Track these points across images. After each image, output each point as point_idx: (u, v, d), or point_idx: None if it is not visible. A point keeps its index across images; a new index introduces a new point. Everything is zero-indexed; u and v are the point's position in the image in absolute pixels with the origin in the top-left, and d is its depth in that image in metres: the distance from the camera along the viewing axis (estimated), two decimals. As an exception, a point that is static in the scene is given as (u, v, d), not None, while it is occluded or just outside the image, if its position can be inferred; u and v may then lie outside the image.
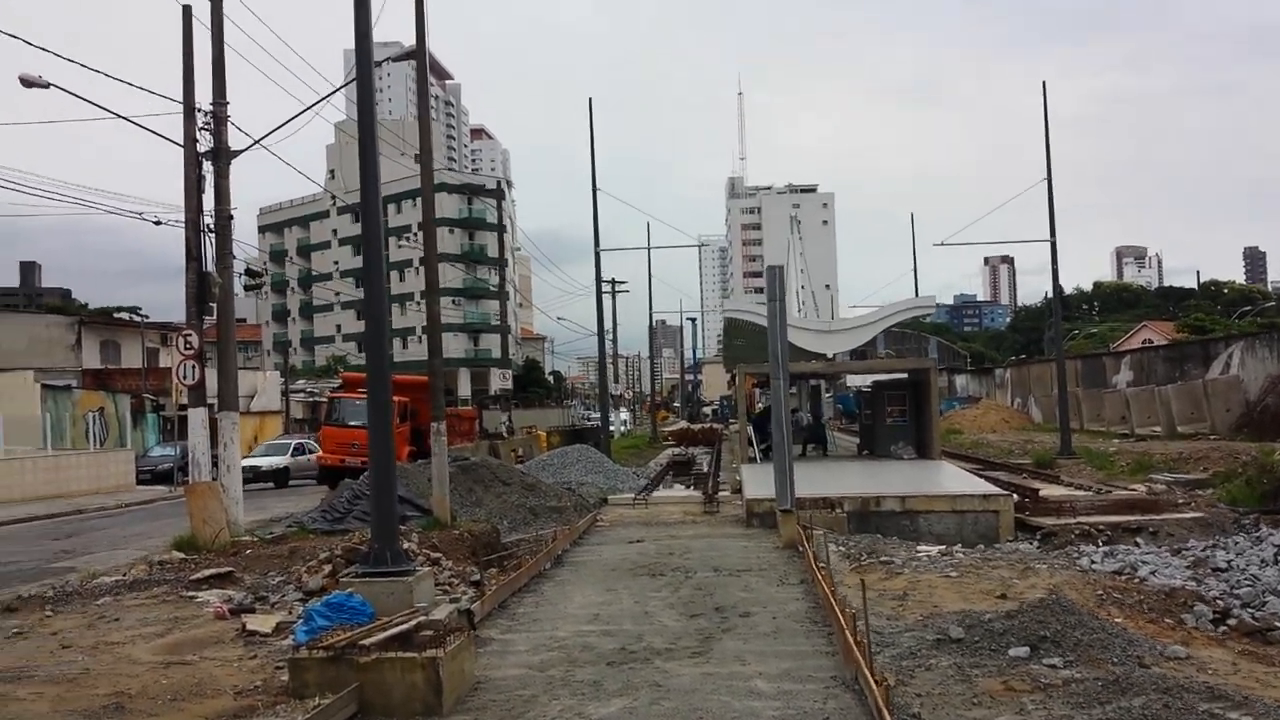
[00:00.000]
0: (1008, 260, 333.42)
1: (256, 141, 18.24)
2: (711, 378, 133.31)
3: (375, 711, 8.18)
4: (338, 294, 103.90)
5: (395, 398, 31.22)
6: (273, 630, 10.50)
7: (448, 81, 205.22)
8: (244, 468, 30.26)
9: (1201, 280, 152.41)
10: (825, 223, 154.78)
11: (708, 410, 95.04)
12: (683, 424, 73.11)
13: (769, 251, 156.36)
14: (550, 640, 10.99)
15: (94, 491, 34.36)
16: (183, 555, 16.30)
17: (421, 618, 9.58)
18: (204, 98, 17.71)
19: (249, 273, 21.97)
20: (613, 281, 63.78)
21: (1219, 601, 12.72)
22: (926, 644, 9.85)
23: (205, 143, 17.49)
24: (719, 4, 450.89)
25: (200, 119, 17.36)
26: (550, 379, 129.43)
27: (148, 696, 8.39)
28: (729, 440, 54.07)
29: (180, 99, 17.13)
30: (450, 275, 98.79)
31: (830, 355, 28.16)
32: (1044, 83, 30.45)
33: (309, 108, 18.57)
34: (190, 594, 12.91)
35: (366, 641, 8.61)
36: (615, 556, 17.27)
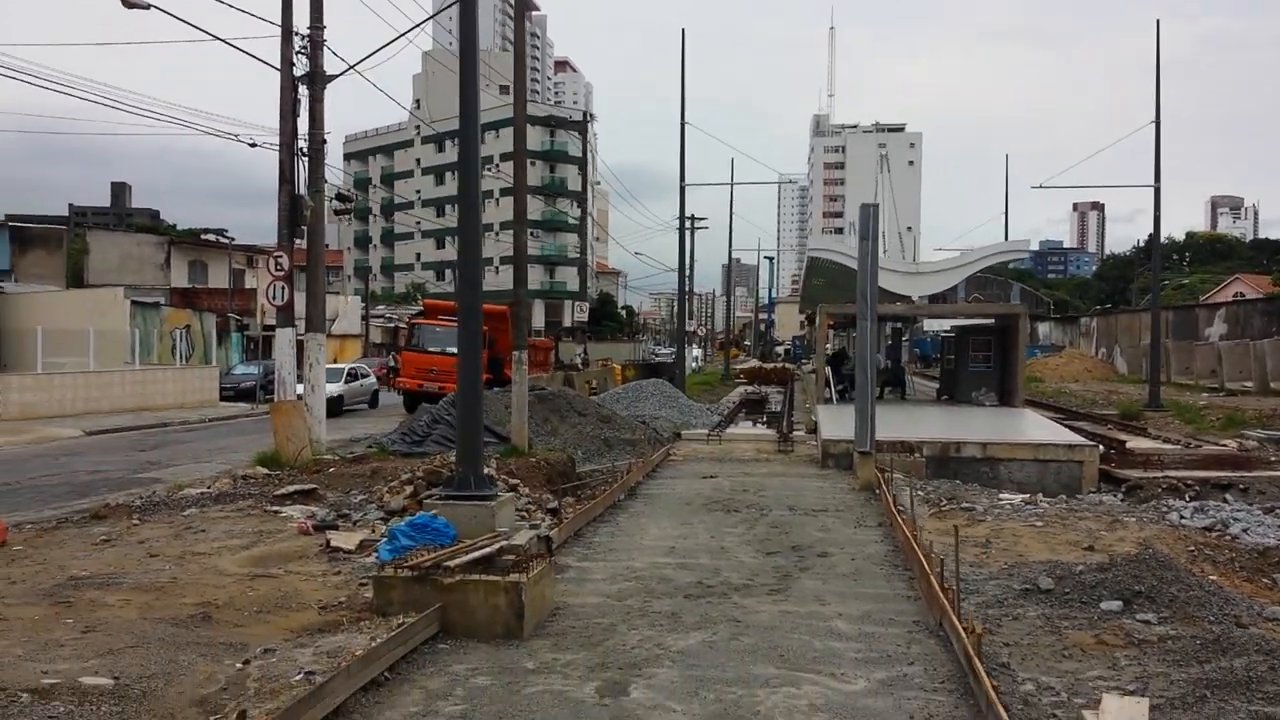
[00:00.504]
0: (1097, 207, 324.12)
1: (351, 67, 18.22)
2: (785, 317, 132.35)
3: (457, 632, 8.25)
4: (418, 222, 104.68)
5: (474, 325, 31.71)
6: (356, 547, 10.64)
7: (533, 13, 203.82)
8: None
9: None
10: (911, 163, 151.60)
11: (780, 350, 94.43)
12: (754, 362, 72.69)
13: (851, 191, 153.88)
14: (627, 570, 11.00)
15: (179, 406, 35.28)
16: (266, 471, 16.62)
17: (504, 542, 9.61)
18: (300, 22, 17.67)
19: (339, 197, 22.09)
20: (692, 218, 63.28)
21: (1316, 563, 12.26)
22: (1013, 593, 9.65)
23: (301, 67, 17.48)
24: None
25: (297, 43, 17.34)
26: (622, 313, 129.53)
27: (234, 608, 8.54)
28: (801, 380, 53.69)
29: (279, 22, 17.10)
30: (530, 207, 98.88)
31: (915, 298, 27.62)
32: (1157, 21, 29.06)
33: (403, 34, 18.47)
34: (275, 509, 13.15)
35: (451, 563, 8.66)
36: (689, 491, 17.25)
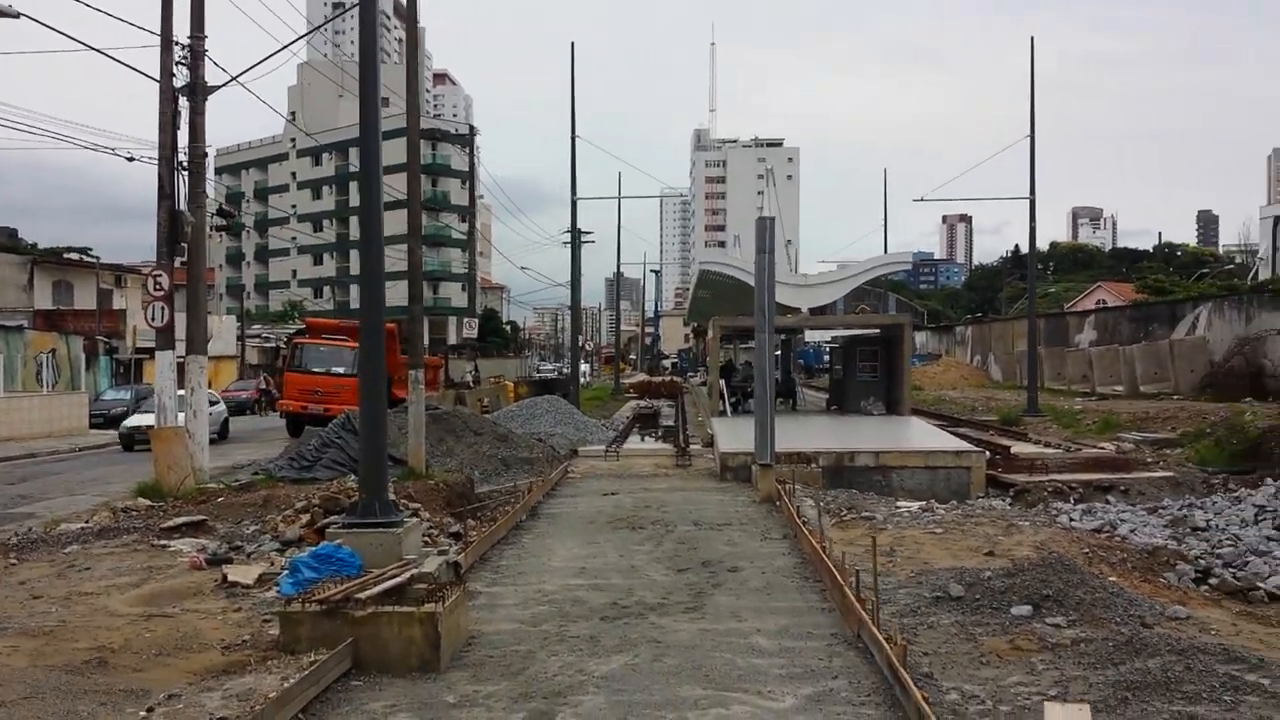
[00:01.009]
0: (965, 219, 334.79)
1: (234, 78, 17.62)
2: (669, 331, 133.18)
3: (370, 667, 7.96)
4: (294, 238, 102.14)
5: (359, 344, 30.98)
6: (255, 582, 10.20)
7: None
8: (130, 427, 29.59)
9: (1156, 243, 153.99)
10: (790, 178, 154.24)
11: (666, 363, 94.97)
12: (642, 376, 72.99)
13: (733, 204, 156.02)
14: (538, 594, 10.81)
15: (47, 435, 33.60)
16: (149, 503, 15.88)
17: (414, 570, 9.32)
18: (180, 31, 17.02)
19: (219, 213, 21.31)
20: (580, 232, 63.12)
21: (1201, 561, 12.77)
22: (925, 601, 9.78)
23: (181, 78, 16.83)
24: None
25: (177, 53, 16.68)
26: (507, 329, 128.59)
27: (131, 650, 8.08)
28: (690, 393, 54.05)
29: (158, 31, 16.42)
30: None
31: (804, 309, 28.04)
32: (1031, 39, 30.20)
33: (289, 44, 17.99)
34: (162, 543, 12.55)
35: (362, 595, 8.35)
36: (591, 509, 17.12)
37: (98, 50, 17.28)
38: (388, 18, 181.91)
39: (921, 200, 30.84)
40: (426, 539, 13.00)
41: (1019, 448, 22.39)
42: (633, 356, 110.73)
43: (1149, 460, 20.72)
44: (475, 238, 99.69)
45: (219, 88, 18.28)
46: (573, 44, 34.44)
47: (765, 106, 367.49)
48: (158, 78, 17.37)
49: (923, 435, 23.17)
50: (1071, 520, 14.86)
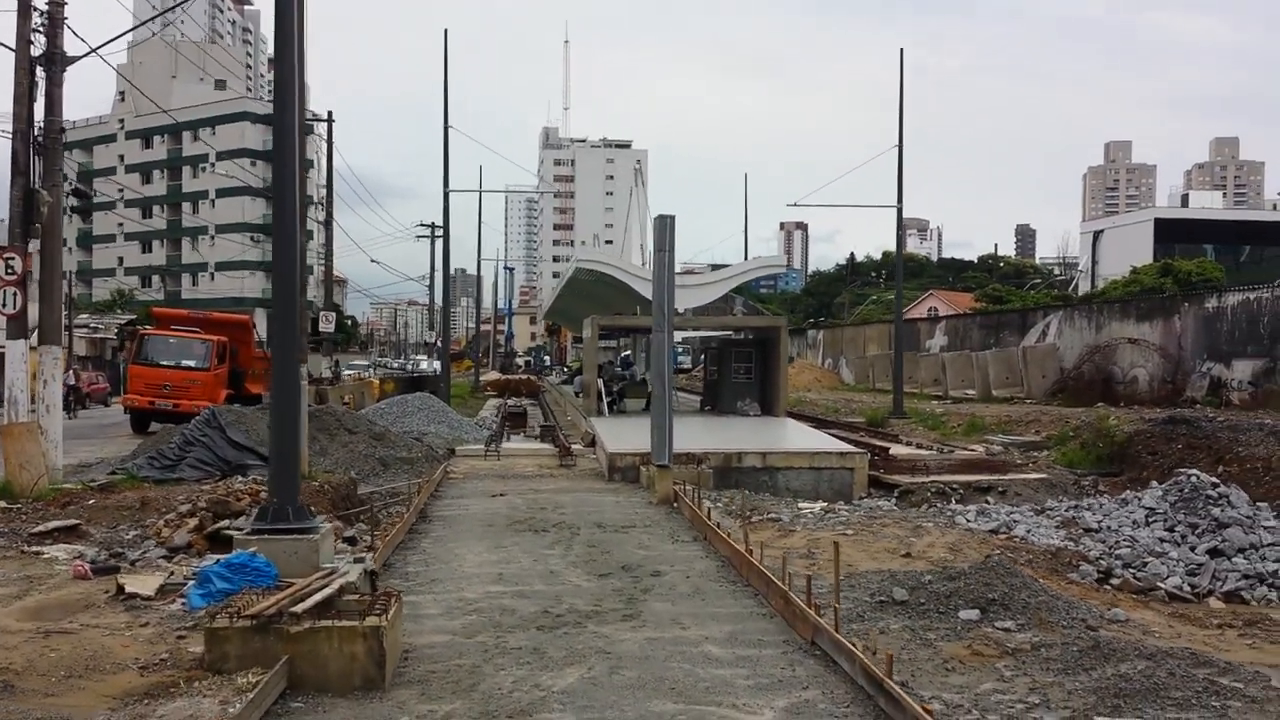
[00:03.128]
0: (801, 226, 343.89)
1: (94, 50, 16.26)
2: (518, 328, 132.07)
3: (308, 687, 7.33)
4: (121, 224, 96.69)
5: (213, 337, 29.36)
6: (156, 593, 9.31)
7: (246, 7, 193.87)
8: None
9: (979, 254, 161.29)
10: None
11: (519, 361, 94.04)
12: (494, 374, 72.08)
13: (581, 204, 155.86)
14: (461, 602, 10.27)
15: None
16: (4, 505, 14.47)
17: (342, 580, 8.65)
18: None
19: (76, 193, 19.67)
20: (432, 225, 61.74)
21: (1101, 561, 13.18)
22: (868, 606, 9.69)
23: (39, 47, 15.42)
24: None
25: (35, 19, 15.27)
26: (348, 323, 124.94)
27: (37, 673, 7.20)
28: (549, 392, 53.52)
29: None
30: (253, 210, 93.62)
31: (682, 310, 27.96)
32: (901, 50, 30.86)
33: (152, 18, 16.63)
34: (34, 549, 11.40)
35: (297, 609, 7.66)
36: (485, 511, 16.54)
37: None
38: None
39: (795, 205, 31.59)
40: (327, 544, 12.22)
41: (896, 449, 22.83)
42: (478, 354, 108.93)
43: (1020, 462, 21.43)
44: (332, 227, 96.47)
45: (79, 58, 16.92)
46: (445, 31, 33.64)
47: (609, 105, 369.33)
48: (12, 46, 15.92)
49: (804, 437, 23.39)
50: (969, 521, 15.11)
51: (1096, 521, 14.70)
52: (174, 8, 19.12)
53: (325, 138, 34.13)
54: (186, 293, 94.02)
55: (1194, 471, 14.54)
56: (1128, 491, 15.68)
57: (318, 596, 8.10)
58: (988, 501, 18.47)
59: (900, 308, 33.68)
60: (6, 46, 15.38)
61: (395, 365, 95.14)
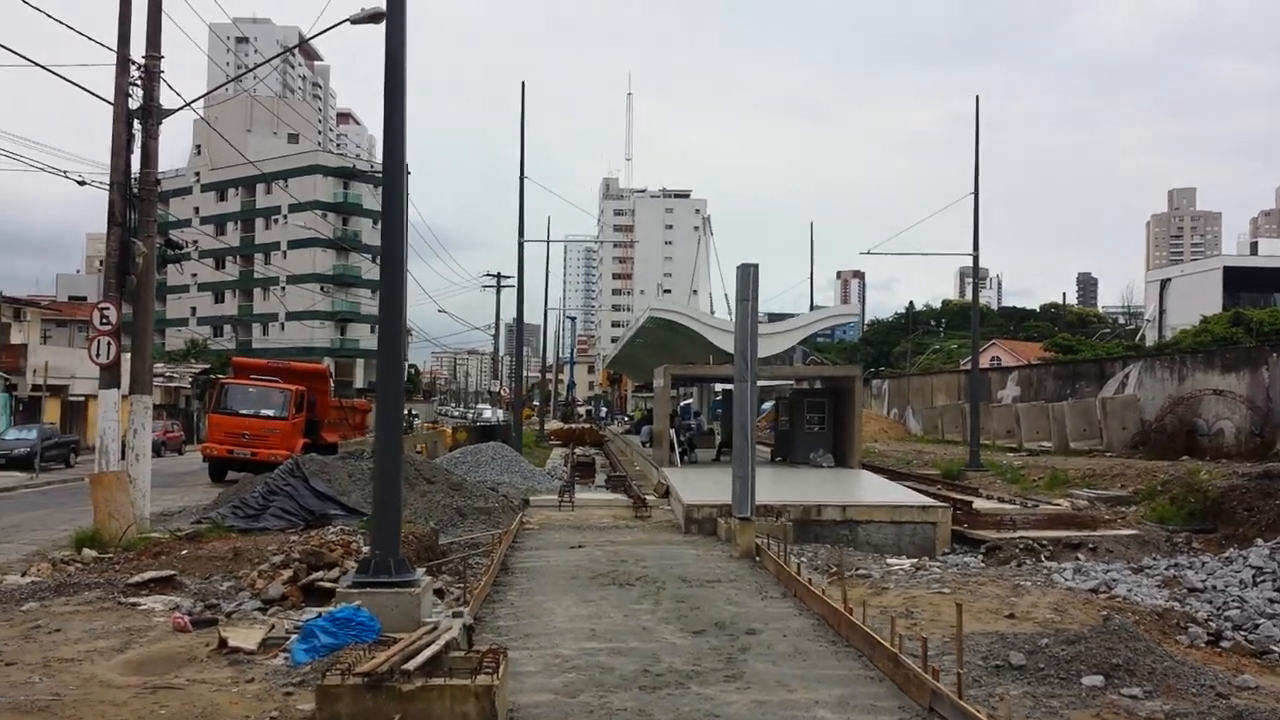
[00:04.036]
0: (859, 275, 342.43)
1: (189, 104, 16.66)
2: (576, 378, 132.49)
3: (419, 747, 7.18)
4: (194, 275, 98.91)
5: (292, 386, 29.72)
6: (258, 647, 9.26)
7: (316, 63, 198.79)
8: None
9: (1041, 303, 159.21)
10: (696, 229, 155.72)
11: (580, 410, 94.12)
12: (557, 424, 72.28)
13: (640, 253, 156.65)
14: (558, 659, 10.11)
15: (-61, 476, 31.24)
16: (94, 553, 14.63)
17: (448, 636, 8.55)
18: (136, 51, 16.03)
19: (169, 243, 20.08)
20: (498, 275, 62.38)
21: (1210, 623, 12.67)
22: (983, 670, 9.36)
23: (135, 99, 15.82)
24: (599, 7, 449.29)
25: (133, 72, 15.68)
26: (412, 370, 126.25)
27: (150, 730, 7.16)
28: (613, 441, 53.45)
29: (114, 48, 15.42)
30: (322, 261, 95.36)
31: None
32: (977, 98, 30.64)
33: (245, 73, 17.01)
34: (131, 600, 11.46)
35: (409, 666, 7.56)
36: (567, 563, 16.40)
37: (43, 67, 16.20)
38: (294, 54, 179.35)
39: (869, 253, 31.14)
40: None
41: (978, 503, 22.35)
42: (536, 403, 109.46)
43: (1108, 517, 20.84)
44: (405, 279, 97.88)
45: (174, 111, 17.33)
46: (523, 84, 33.97)
47: (666, 156, 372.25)
48: (110, 99, 16.35)
49: (882, 489, 23.00)
50: (1067, 580, 14.65)
51: (1200, 581, 14.17)
52: (260, 65, 19.53)
53: (378, 190, 34.22)
54: (257, 342, 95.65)
55: (1305, 530, 14.00)
56: (1231, 550, 15.11)
57: (427, 653, 8.00)
58: (1078, 558, 17.95)
59: (976, 357, 33.17)
60: (105, 100, 15.79)
61: (457, 414, 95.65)
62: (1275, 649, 11.88)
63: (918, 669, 8.75)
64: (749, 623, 11.87)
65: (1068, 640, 9.42)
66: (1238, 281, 67.59)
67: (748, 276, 17.02)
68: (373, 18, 18.52)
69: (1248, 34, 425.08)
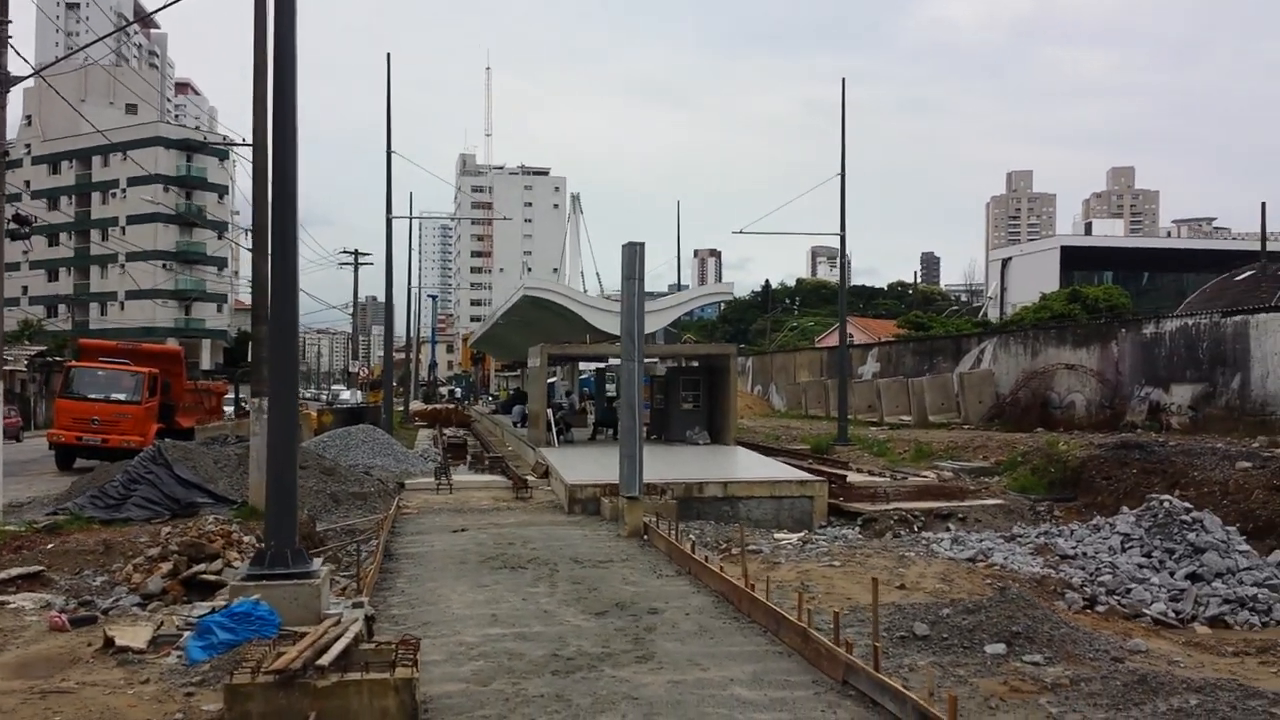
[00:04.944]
0: (715, 254, 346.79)
1: (38, 72, 15.55)
2: (437, 357, 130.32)
3: (338, 745, 6.90)
4: (26, 251, 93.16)
5: (144, 369, 28.29)
6: (147, 646, 8.75)
7: (153, 31, 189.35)
8: None
9: (889, 281, 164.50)
10: (556, 206, 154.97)
11: (443, 390, 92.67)
12: (419, 404, 71.11)
13: (499, 231, 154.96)
14: (463, 647, 9.90)
15: None
16: (-57, 550, 13.60)
17: (354, 628, 8.24)
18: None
19: (17, 219, 18.70)
20: (355, 252, 60.79)
21: (1086, 589, 13.26)
22: (891, 641, 9.55)
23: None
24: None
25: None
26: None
27: (45, 740, 6.67)
28: (478, 421, 52.79)
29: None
30: (164, 238, 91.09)
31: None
32: (843, 80, 31.15)
33: (89, 45, 16.05)
34: (-2, 599, 10.70)
35: (323, 661, 7.25)
36: (452, 547, 16.09)
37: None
38: (127, 21, 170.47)
39: (741, 232, 31.36)
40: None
41: (851, 476, 22.88)
42: (394, 383, 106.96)
43: (973, 488, 21.61)
44: (223, 255, 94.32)
45: (23, 79, 16.23)
46: (388, 55, 32.97)
47: (528, 133, 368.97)
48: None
49: (760, 465, 23.33)
50: (945, 550, 15.12)
51: (1071, 548, 14.81)
52: (109, 35, 18.42)
53: (245, 162, 32.89)
54: (95, 322, 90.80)
55: (1166, 497, 14.76)
56: (1098, 518, 15.85)
57: (338, 647, 7.69)
58: (949, 528, 18.55)
59: (844, 334, 33.93)
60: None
61: (309, 395, 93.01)
62: (1147, 612, 12.52)
63: (829, 643, 8.87)
64: (649, 602, 11.86)
65: (968, 610, 9.70)
66: (1074, 260, 71.20)
67: (634, 255, 16.95)
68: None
69: (1081, 25, 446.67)
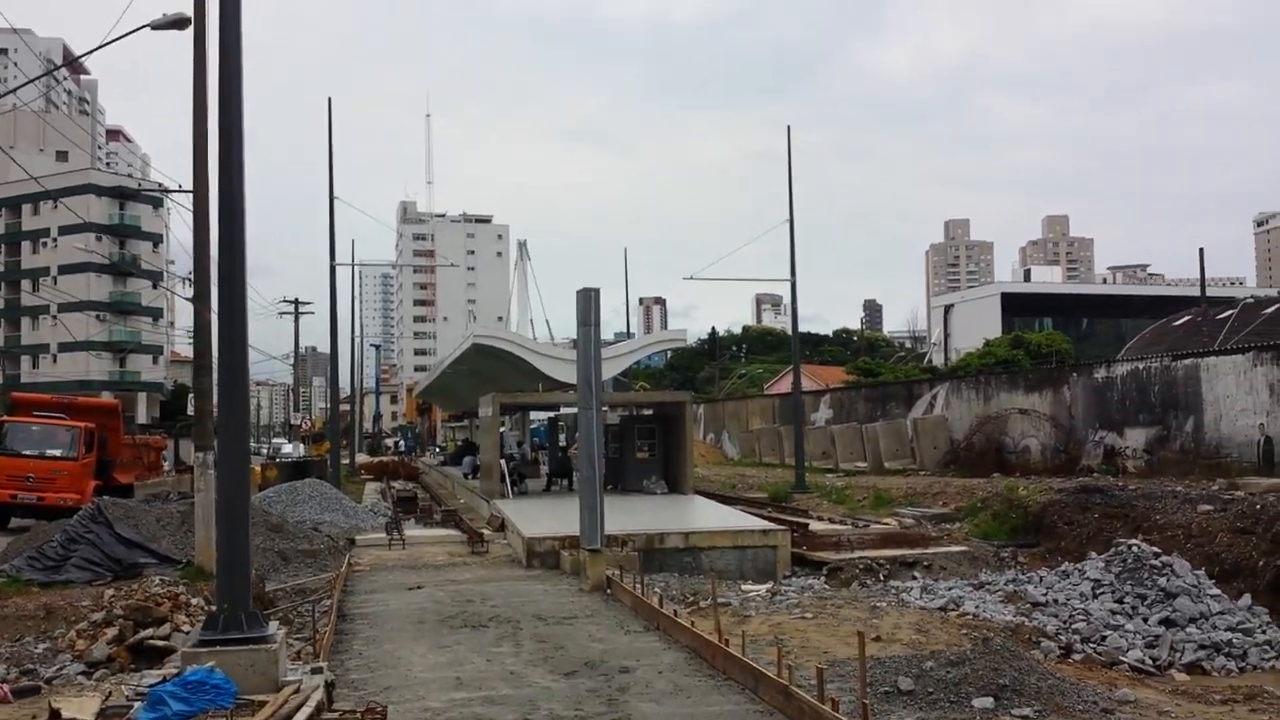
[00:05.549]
0: (660, 301, 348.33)
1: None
2: (381, 408, 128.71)
3: (306, 827, 6.42)
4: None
5: (80, 423, 27.37)
6: (96, 719, 8.16)
7: (83, 77, 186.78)
8: None
9: (834, 329, 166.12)
10: (499, 254, 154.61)
11: (389, 442, 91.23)
12: (364, 457, 69.91)
13: (442, 278, 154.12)
14: (429, 713, 9.47)
15: None
16: None
17: (316, 696, 7.76)
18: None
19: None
20: (295, 301, 59.77)
21: (1060, 637, 13.12)
22: (875, 697, 9.25)
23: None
24: (402, 30, 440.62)
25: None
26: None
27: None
28: (427, 473, 51.90)
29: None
30: (96, 288, 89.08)
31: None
32: (788, 128, 31.33)
33: (17, 89, 15.48)
34: (-71, 672, 10.01)
35: (290, 737, 6.78)
36: (408, 606, 15.56)
37: None
38: (55, 65, 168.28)
39: (692, 279, 31.30)
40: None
41: (814, 525, 22.65)
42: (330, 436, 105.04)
43: (935, 535, 21.46)
44: (170, 304, 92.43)
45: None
46: (329, 100, 32.59)
47: (468, 179, 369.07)
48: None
49: (721, 515, 23.03)
50: (916, 599, 14.90)
51: (1042, 595, 14.67)
52: (38, 77, 17.86)
53: (159, 211, 32.20)
54: (26, 375, 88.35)
55: (1135, 542, 14.70)
56: (1067, 564, 15.74)
57: (300, 717, 7.23)
58: (915, 577, 18.34)
59: (798, 381, 33.86)
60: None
61: (253, 449, 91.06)
62: (1124, 659, 12.38)
63: (814, 701, 8.54)
64: (619, 660, 11.46)
65: (951, 662, 9.44)
66: (1014, 306, 72.40)
67: (589, 300, 16.67)
68: (175, 23, 17.18)
69: (1012, 75, 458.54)
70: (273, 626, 9.43)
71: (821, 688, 8.57)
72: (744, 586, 16.38)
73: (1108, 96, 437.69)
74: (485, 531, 22.90)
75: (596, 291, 17.10)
